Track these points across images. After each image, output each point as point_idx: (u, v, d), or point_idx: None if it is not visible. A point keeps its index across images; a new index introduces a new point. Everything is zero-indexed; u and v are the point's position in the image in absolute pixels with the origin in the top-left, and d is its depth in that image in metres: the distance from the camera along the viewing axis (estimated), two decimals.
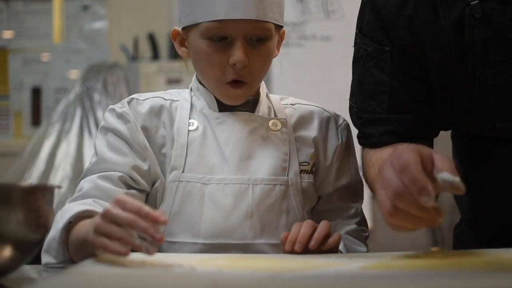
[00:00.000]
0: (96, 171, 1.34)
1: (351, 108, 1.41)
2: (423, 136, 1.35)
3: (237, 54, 1.29)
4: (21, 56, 4.12)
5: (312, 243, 1.21)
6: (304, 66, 3.39)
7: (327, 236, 1.24)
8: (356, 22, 1.40)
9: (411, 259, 1.13)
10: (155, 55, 3.78)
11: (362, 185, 1.45)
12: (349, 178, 1.42)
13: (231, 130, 1.35)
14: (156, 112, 1.37)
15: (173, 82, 4.02)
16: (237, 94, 1.34)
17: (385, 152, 1.30)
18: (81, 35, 4.10)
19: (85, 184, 1.33)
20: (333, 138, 1.42)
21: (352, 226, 1.40)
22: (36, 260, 1.18)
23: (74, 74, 3.88)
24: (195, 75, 1.43)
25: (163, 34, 3.71)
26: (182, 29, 1.37)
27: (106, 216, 1.05)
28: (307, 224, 1.24)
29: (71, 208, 1.24)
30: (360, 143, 1.41)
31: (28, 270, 1.17)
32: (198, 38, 1.32)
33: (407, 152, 1.02)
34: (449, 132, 1.47)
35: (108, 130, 1.37)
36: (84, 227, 1.18)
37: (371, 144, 1.38)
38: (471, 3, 1.21)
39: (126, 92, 3.21)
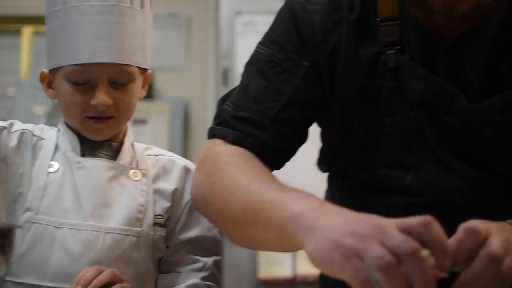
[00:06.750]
0: None
1: (222, 111, 1.30)
2: (280, 160, 1.30)
3: (99, 96, 1.31)
4: None
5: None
6: None
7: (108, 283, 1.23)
8: (268, 31, 1.33)
9: None
10: None
11: (218, 241, 1.44)
12: (198, 232, 1.42)
13: (89, 175, 1.34)
14: (23, 149, 1.36)
15: (139, 122, 4.04)
16: (100, 128, 1.35)
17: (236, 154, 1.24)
18: None
19: None
20: (187, 192, 1.42)
21: (195, 280, 1.38)
22: None
23: (40, 110, 3.89)
24: (63, 118, 1.43)
25: None
26: (50, 71, 1.38)
27: None
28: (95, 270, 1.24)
29: None
30: (215, 133, 1.29)
31: None
32: (62, 81, 1.34)
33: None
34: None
35: None
36: None
37: (238, 140, 1.27)
38: (387, 52, 1.22)
39: None
